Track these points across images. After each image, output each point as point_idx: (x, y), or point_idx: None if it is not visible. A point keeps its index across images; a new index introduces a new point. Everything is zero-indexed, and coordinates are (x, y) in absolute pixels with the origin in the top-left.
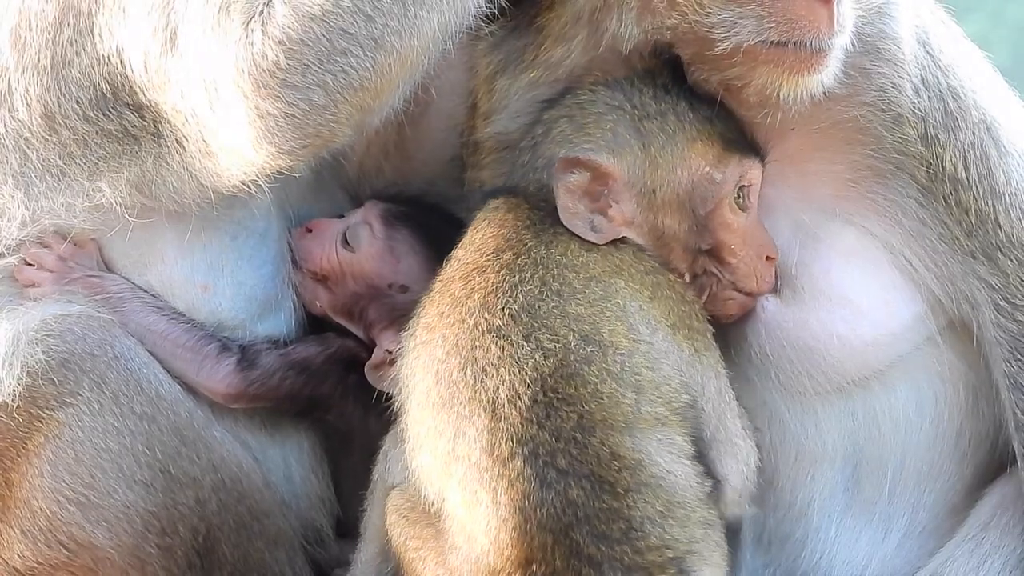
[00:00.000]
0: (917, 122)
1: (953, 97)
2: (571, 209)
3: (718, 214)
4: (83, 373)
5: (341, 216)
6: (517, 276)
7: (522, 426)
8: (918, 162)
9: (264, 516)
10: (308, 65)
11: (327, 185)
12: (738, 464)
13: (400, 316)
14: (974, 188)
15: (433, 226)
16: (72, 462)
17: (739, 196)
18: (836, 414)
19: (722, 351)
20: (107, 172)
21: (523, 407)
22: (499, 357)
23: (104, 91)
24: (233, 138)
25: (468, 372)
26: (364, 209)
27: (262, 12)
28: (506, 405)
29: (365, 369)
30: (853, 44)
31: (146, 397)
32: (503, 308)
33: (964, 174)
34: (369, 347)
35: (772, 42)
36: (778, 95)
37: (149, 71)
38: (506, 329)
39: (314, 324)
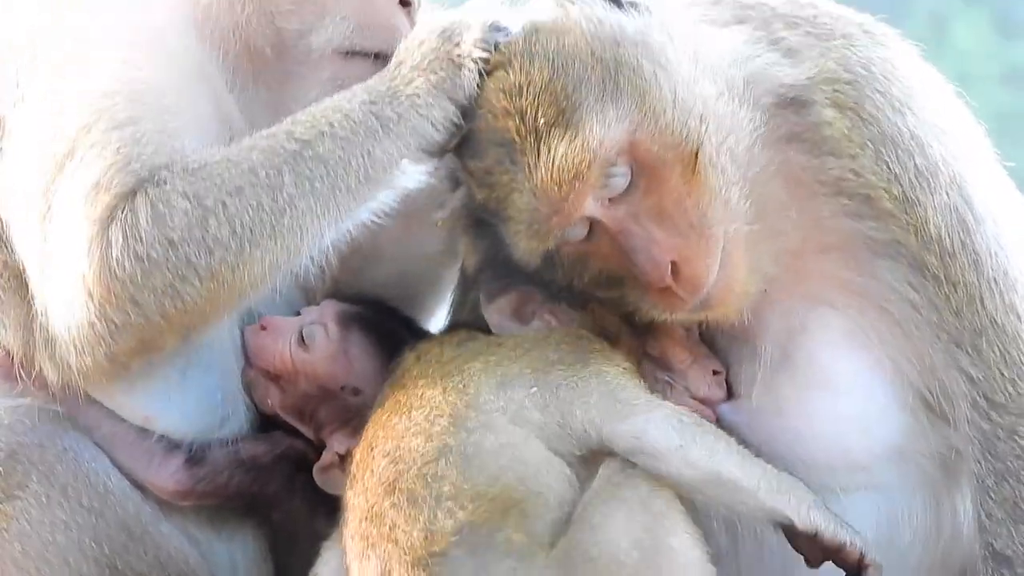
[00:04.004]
0: (892, 187)
1: (920, 151)
2: (500, 327)
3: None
4: (32, 465)
5: (297, 314)
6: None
7: None
8: (904, 229)
9: None
10: (155, 288)
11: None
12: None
13: (351, 418)
14: (959, 258)
15: (389, 329)
16: (19, 555)
17: None
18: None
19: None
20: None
21: None
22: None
23: None
24: (74, 337)
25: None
26: (320, 309)
27: (126, 216)
28: None
29: (313, 471)
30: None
31: (94, 491)
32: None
33: (948, 241)
34: (318, 447)
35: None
36: None
37: (20, 232)
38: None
39: (264, 421)
